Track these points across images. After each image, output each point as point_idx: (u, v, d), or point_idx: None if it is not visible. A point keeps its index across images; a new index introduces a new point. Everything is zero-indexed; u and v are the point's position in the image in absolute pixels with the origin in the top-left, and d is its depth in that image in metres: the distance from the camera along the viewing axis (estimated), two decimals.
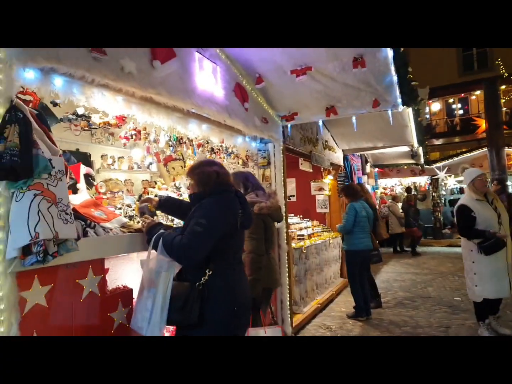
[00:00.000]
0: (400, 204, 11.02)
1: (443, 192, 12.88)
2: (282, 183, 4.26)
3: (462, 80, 16.26)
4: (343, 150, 7.54)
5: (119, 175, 4.13)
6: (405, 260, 9.58)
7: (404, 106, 3.70)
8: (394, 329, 4.53)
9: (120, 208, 3.02)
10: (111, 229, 2.09)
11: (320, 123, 4.61)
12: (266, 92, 3.69)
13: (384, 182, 13.02)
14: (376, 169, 11.04)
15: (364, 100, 3.60)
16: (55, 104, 2.33)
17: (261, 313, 2.93)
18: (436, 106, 17.34)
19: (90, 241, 1.89)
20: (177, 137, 2.90)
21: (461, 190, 12.60)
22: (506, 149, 9.93)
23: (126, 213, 2.80)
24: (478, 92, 15.87)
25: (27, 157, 1.43)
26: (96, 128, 2.73)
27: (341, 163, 7.44)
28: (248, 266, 2.76)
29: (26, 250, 1.45)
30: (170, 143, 2.85)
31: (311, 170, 6.24)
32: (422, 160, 9.65)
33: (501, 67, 13.42)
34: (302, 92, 3.59)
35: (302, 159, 5.83)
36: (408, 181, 13.13)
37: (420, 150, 8.51)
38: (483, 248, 3.64)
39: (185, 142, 2.91)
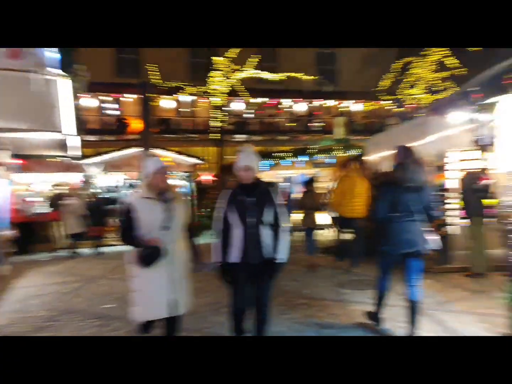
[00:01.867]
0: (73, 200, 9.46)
1: (97, 190, 12.16)
2: None
3: (118, 81, 16.67)
4: None
5: None
6: (47, 268, 8.14)
7: (57, 73, 2.74)
8: None
9: None
10: None
11: None
12: None
13: (26, 177, 10.81)
14: (16, 161, 8.96)
15: None
16: None
17: None
18: (90, 101, 16.82)
19: None
20: None
21: (115, 189, 12.55)
22: (157, 151, 10.77)
23: None
24: (131, 95, 16.81)
25: None
26: None
27: None
28: None
29: None
30: None
31: None
32: (78, 153, 8.67)
33: (150, 74, 14.68)
34: None
35: None
36: (57, 176, 11.52)
37: (75, 142, 7.54)
38: (139, 257, 2.93)
39: None
